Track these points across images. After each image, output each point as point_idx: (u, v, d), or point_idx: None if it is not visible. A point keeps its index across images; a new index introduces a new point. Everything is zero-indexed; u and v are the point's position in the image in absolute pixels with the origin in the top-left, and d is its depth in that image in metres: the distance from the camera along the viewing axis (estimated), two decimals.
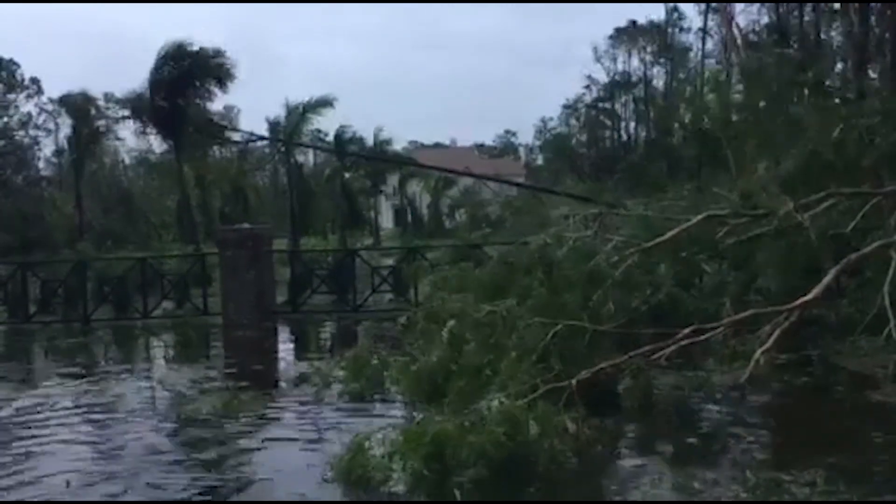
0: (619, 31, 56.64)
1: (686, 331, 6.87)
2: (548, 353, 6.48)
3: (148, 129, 29.61)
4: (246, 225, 19.29)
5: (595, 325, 6.79)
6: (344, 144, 36.71)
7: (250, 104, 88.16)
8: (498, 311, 6.86)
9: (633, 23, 55.53)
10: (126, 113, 29.92)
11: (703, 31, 47.10)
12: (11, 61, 45.13)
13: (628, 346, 6.87)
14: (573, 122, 62.32)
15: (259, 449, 6.62)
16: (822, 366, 8.66)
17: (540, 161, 68.03)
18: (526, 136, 77.45)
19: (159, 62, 26.55)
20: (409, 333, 8.90)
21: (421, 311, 8.75)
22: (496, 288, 7.63)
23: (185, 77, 26.37)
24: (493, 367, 6.43)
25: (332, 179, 39.84)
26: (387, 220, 52.05)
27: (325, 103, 32.06)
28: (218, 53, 26.99)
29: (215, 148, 33.95)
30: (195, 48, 26.62)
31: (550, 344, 6.53)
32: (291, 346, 13.85)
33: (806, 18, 25.44)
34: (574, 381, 6.23)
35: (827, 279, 7.55)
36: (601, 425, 6.41)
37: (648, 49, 56.48)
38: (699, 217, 8.33)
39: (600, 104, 59.42)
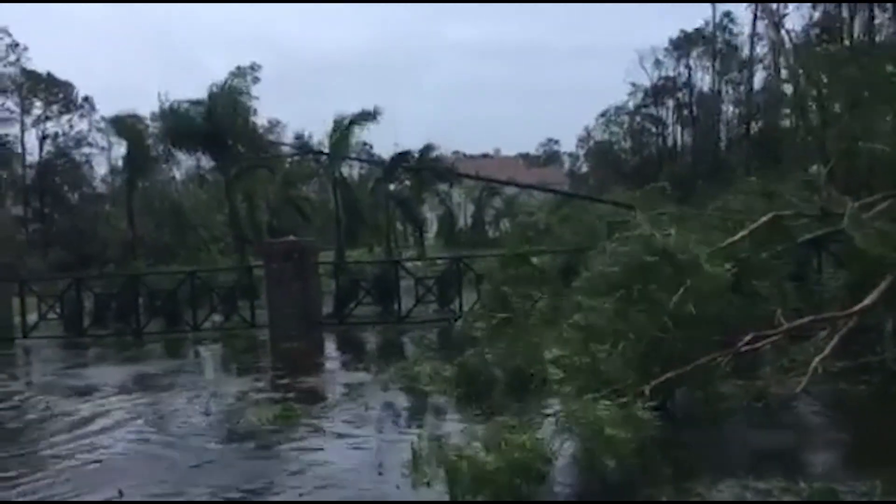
0: (672, 41, 56.15)
1: (746, 338, 6.73)
2: (624, 360, 6.38)
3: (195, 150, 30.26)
4: (291, 237, 19.49)
5: (661, 334, 6.61)
6: (393, 158, 36.80)
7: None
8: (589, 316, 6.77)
9: (684, 32, 55.15)
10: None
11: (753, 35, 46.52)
12: (67, 83, 46.53)
13: (690, 354, 6.72)
14: (615, 129, 61.86)
15: (314, 463, 6.59)
16: (881, 374, 8.38)
17: (584, 169, 67.68)
18: (569, 145, 76.76)
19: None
20: (484, 336, 8.88)
21: (493, 315, 8.65)
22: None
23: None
24: (579, 372, 6.37)
25: (376, 191, 40.04)
26: (430, 230, 52.16)
27: (368, 116, 32.21)
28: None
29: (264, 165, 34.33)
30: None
31: (623, 350, 6.42)
32: (339, 357, 13.92)
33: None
34: (648, 389, 6.13)
35: (885, 283, 7.32)
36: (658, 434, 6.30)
37: (695, 54, 55.92)
38: (766, 218, 8.07)
39: (643, 109, 58.85)
